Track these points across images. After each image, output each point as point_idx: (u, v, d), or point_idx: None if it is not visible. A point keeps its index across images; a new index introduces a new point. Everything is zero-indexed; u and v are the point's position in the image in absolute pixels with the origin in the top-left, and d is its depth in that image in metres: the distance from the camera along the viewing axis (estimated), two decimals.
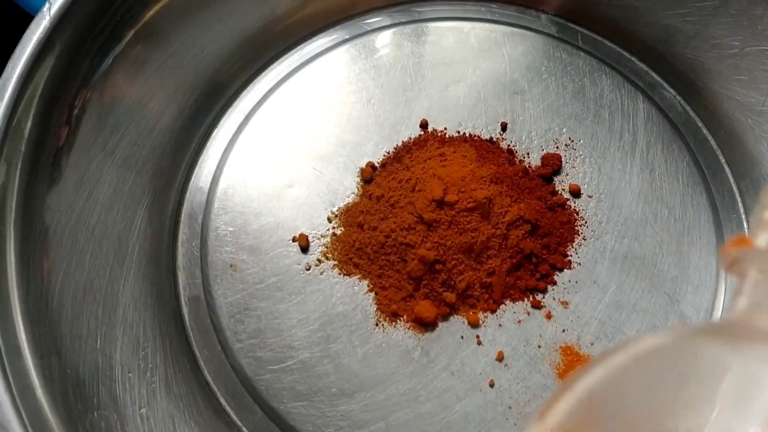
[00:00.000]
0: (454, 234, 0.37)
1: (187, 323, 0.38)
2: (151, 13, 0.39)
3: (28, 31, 0.34)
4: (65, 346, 0.32)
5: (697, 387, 0.17)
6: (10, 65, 0.33)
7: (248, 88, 0.45)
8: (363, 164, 0.42)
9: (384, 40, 0.46)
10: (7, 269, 0.31)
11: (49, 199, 0.34)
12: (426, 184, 0.38)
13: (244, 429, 0.36)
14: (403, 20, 0.47)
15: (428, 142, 0.42)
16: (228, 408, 0.37)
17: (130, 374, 0.34)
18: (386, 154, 0.42)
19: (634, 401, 0.17)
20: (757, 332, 0.18)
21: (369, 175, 0.41)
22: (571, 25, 0.47)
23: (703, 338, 0.18)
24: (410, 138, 0.43)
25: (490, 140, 0.42)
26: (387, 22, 0.47)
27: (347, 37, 0.46)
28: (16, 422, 0.28)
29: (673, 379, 0.17)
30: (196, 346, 0.38)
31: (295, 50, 0.46)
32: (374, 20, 0.47)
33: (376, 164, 0.42)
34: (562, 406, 0.17)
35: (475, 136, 0.43)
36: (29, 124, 0.33)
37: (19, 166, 0.33)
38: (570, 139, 0.43)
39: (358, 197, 0.41)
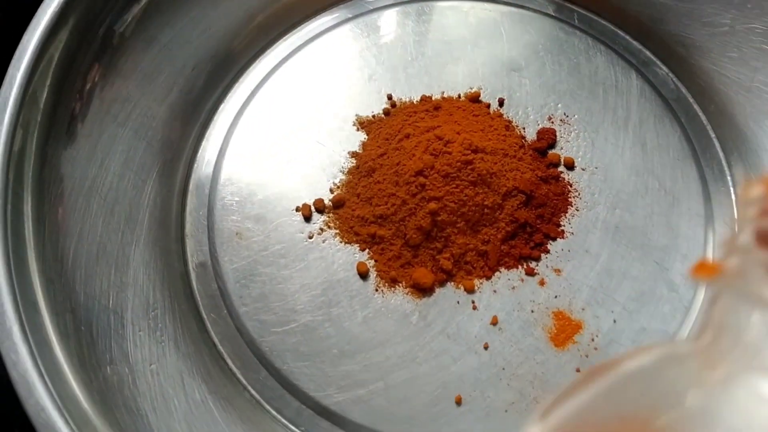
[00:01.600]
0: (451, 203, 0.39)
1: (195, 287, 0.40)
2: None
3: (42, 5, 0.36)
4: (80, 305, 0.34)
5: (668, 412, 0.18)
6: (25, 37, 0.35)
7: (254, 65, 0.46)
8: (365, 138, 0.43)
9: (386, 18, 0.48)
10: (25, 231, 0.33)
11: (63, 165, 0.36)
12: (417, 149, 0.40)
13: (250, 387, 0.38)
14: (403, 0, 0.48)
15: (420, 109, 0.44)
16: (234, 368, 0.38)
17: (140, 333, 0.36)
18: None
19: (620, 416, 0.18)
20: (720, 364, 0.18)
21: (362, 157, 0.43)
22: (568, 5, 0.48)
23: (677, 363, 0.19)
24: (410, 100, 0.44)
25: (488, 106, 0.44)
26: (389, 1, 0.48)
27: (350, 15, 0.48)
28: (35, 374, 0.29)
29: (650, 401, 0.18)
30: (203, 309, 0.40)
31: (299, 28, 0.48)
32: (374, 1, 0.49)
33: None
34: (561, 412, 0.18)
35: (472, 101, 0.44)
36: (45, 94, 0.35)
37: (35, 134, 0.34)
38: (565, 114, 0.44)
39: (353, 167, 0.42)
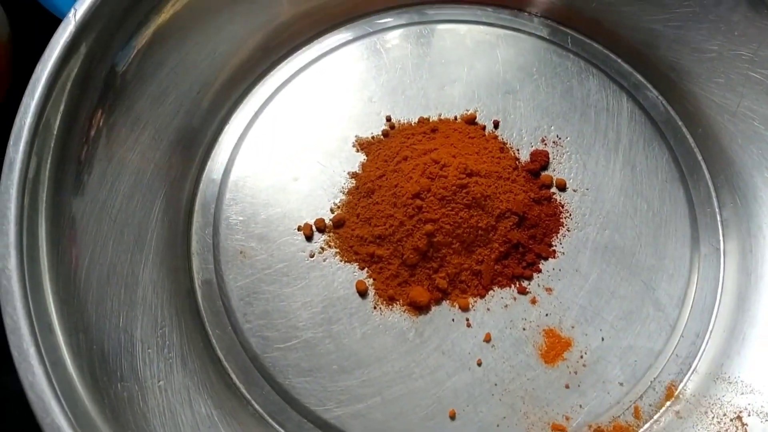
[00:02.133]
0: (447, 225, 0.40)
1: (201, 305, 0.42)
2: (167, 17, 0.42)
3: (55, 35, 0.37)
4: (91, 324, 0.36)
5: None
6: (39, 67, 0.36)
7: (258, 86, 0.48)
8: (364, 159, 0.45)
9: (386, 41, 0.49)
10: (40, 254, 0.34)
11: (75, 189, 0.37)
12: (415, 172, 0.41)
13: (253, 402, 0.40)
14: (402, 23, 0.50)
15: (417, 131, 0.45)
16: (238, 382, 0.40)
17: (149, 350, 0.37)
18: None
19: None
20: None
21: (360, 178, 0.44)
22: (562, 28, 0.50)
23: None
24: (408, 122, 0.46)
25: (483, 128, 0.45)
26: (389, 24, 0.50)
27: (351, 38, 0.49)
28: (51, 395, 0.30)
29: None
30: (208, 326, 0.41)
31: (301, 51, 0.49)
32: (379, 21, 0.50)
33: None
34: None
35: (468, 123, 0.46)
36: (57, 122, 0.36)
37: (49, 160, 0.36)
38: (558, 136, 0.46)
39: (353, 188, 0.44)
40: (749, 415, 0.37)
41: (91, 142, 0.38)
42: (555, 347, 0.40)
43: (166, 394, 0.36)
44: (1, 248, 0.33)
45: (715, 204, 0.45)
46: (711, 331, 0.41)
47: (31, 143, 0.35)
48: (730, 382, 0.39)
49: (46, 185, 0.36)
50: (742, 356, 0.40)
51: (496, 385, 0.40)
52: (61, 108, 0.37)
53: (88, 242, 0.37)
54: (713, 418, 0.38)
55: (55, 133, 0.36)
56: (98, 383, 0.34)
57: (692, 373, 0.40)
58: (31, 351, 0.31)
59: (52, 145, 0.36)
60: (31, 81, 0.36)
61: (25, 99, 0.36)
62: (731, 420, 0.37)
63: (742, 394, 0.38)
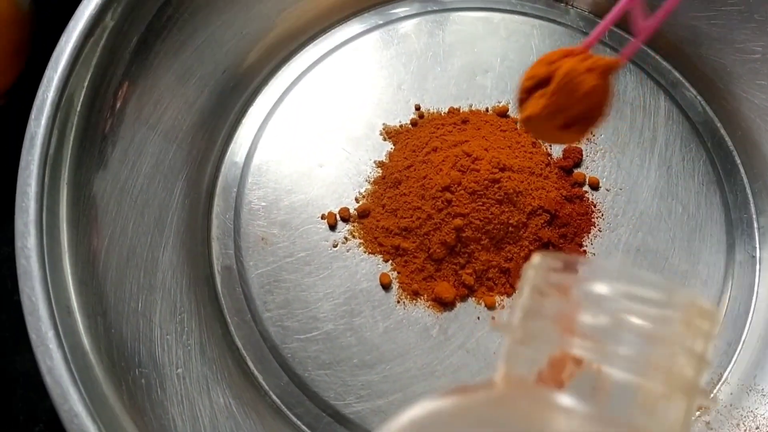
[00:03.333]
0: (476, 221, 0.39)
1: (220, 291, 0.41)
2: None
3: (81, 6, 0.36)
4: (110, 308, 0.34)
5: None
6: (63, 38, 0.35)
7: (283, 69, 0.47)
8: (391, 148, 0.44)
9: (415, 27, 0.48)
10: (60, 233, 0.33)
11: (97, 168, 0.36)
12: (445, 164, 0.40)
13: (271, 393, 0.39)
14: (434, 8, 0.48)
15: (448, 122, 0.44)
16: (256, 372, 0.39)
17: (168, 336, 0.36)
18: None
19: None
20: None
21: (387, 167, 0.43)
22: (599, 21, 0.48)
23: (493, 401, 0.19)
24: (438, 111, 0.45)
25: (516, 122, 0.44)
26: (418, 9, 0.48)
27: (381, 22, 0.48)
28: (69, 380, 0.29)
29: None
30: (227, 314, 0.40)
31: (329, 34, 0.48)
32: (405, 9, 0.49)
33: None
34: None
35: (500, 116, 0.44)
36: (81, 96, 0.35)
37: (72, 137, 0.35)
38: (592, 133, 0.44)
39: (379, 178, 0.43)
40: None
41: (115, 118, 0.37)
42: None
43: (185, 382, 0.35)
44: (21, 226, 0.32)
45: (753, 210, 0.43)
46: (744, 341, 0.40)
47: (53, 118, 0.34)
48: (764, 394, 0.38)
49: (67, 162, 0.35)
50: None
51: None
52: (86, 83, 0.36)
53: (108, 222, 0.36)
54: (745, 431, 0.37)
55: (78, 108, 0.35)
56: (116, 369, 0.33)
57: (723, 383, 0.39)
58: (50, 334, 0.30)
59: (75, 120, 0.35)
60: (55, 53, 0.35)
61: (48, 72, 0.34)
62: None
63: None
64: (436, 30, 0.48)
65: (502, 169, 0.40)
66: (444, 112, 0.45)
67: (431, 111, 0.45)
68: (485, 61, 0.47)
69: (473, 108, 0.45)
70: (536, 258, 0.19)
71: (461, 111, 0.45)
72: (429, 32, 0.48)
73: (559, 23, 0.48)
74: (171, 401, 0.34)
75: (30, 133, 0.33)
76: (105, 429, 0.29)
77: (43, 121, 0.34)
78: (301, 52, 0.47)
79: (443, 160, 0.41)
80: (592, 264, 0.19)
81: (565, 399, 0.17)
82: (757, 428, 0.37)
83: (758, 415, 0.37)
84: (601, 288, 0.17)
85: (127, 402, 0.32)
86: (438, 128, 0.43)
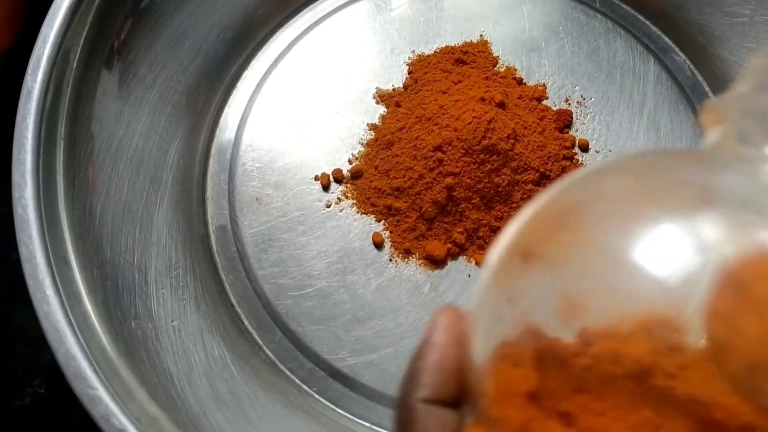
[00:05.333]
0: (467, 179, 0.40)
1: (215, 250, 0.41)
2: None
3: None
4: (106, 260, 0.35)
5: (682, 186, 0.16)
6: None
7: (278, 33, 0.47)
8: (384, 111, 0.44)
9: None
10: (57, 187, 0.34)
11: (93, 125, 0.36)
12: (435, 121, 0.41)
13: (265, 348, 0.39)
14: None
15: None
16: (251, 328, 0.40)
17: (163, 290, 0.37)
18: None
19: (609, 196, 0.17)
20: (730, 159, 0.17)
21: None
22: None
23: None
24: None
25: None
26: None
27: None
28: (66, 325, 0.30)
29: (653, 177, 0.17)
30: (222, 271, 0.41)
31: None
32: None
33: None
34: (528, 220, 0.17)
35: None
36: (78, 54, 0.36)
37: (68, 92, 0.35)
38: (582, 96, 0.45)
39: (372, 140, 0.43)
40: None
41: (110, 77, 0.38)
42: None
43: (180, 334, 0.36)
44: (18, 177, 0.32)
45: None
46: None
47: (49, 73, 0.34)
48: None
49: (64, 118, 0.35)
50: None
51: None
52: (81, 40, 0.36)
53: (104, 179, 0.37)
54: None
55: (74, 65, 0.36)
56: (113, 318, 0.33)
57: None
58: (47, 281, 0.31)
59: (71, 77, 0.35)
60: (51, 10, 0.35)
61: (44, 29, 0.35)
62: None
63: None
64: None
65: (500, 105, 0.40)
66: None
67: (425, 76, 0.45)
68: (477, 27, 0.47)
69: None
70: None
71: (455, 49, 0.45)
72: None
73: None
74: (167, 351, 0.35)
75: (26, 87, 0.34)
76: (102, 372, 0.30)
77: (40, 76, 0.34)
78: (296, 17, 0.47)
79: (439, 110, 0.41)
80: None
81: None
82: None
83: None
84: None
85: (124, 350, 0.32)
86: (431, 83, 0.44)
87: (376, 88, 0.45)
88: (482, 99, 0.41)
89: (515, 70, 0.45)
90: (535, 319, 0.16)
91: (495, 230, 0.41)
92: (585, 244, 0.16)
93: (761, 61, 0.18)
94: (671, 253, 0.15)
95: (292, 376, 0.39)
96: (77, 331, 0.30)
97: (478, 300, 0.18)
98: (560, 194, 0.17)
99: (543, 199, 0.18)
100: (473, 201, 0.40)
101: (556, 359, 0.15)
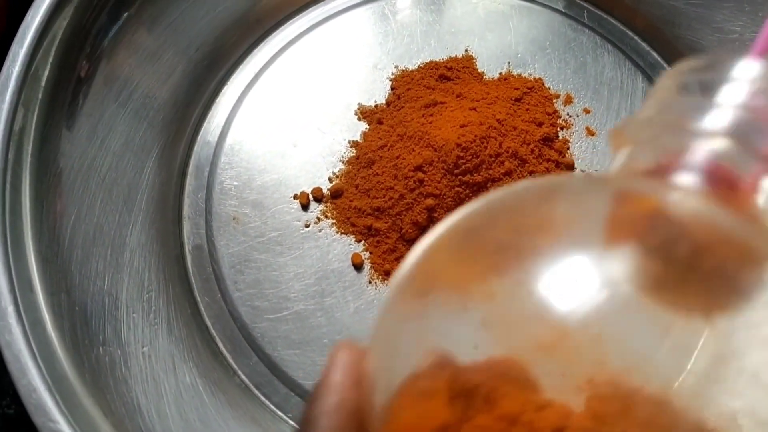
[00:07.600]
0: (448, 200, 0.39)
1: (190, 270, 0.40)
2: None
3: None
4: (75, 285, 0.34)
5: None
6: (30, 14, 0.35)
7: (259, 48, 0.46)
8: (366, 128, 0.43)
9: (394, 6, 0.47)
10: (23, 210, 0.33)
11: (63, 145, 0.36)
12: (420, 140, 0.40)
13: (240, 372, 0.38)
14: None
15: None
16: (225, 352, 0.39)
17: (134, 315, 0.36)
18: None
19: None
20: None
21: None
22: (578, 1, 0.48)
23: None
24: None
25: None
26: None
27: (359, 1, 0.47)
28: (28, 355, 0.29)
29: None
30: (197, 293, 0.40)
31: (305, 13, 0.47)
32: None
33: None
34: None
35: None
36: (47, 72, 0.35)
37: (36, 112, 0.34)
38: (568, 114, 0.44)
39: (353, 158, 0.42)
40: None
41: (82, 95, 0.37)
42: None
43: (150, 361, 0.35)
44: None
45: None
46: None
47: (18, 93, 0.33)
48: None
49: (32, 138, 0.34)
50: None
51: None
52: (51, 59, 0.35)
53: (75, 200, 0.36)
54: None
55: (43, 84, 0.35)
56: (79, 346, 0.33)
57: None
58: (10, 309, 0.30)
59: (40, 96, 0.35)
60: (21, 28, 0.34)
61: (13, 47, 0.34)
62: None
63: None
64: (414, 10, 0.47)
65: (482, 124, 0.40)
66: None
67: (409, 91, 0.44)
68: (462, 42, 0.46)
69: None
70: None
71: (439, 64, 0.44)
72: (408, 13, 0.47)
73: (537, 3, 0.47)
74: (135, 379, 0.34)
75: None
76: (64, 405, 0.29)
77: (8, 96, 0.33)
78: (276, 32, 0.47)
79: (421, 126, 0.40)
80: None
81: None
82: None
83: None
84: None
85: (89, 379, 0.32)
86: (414, 100, 0.43)
87: (359, 104, 0.44)
88: (464, 119, 0.40)
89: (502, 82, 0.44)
90: (445, 347, 0.15)
91: None
92: (484, 274, 0.16)
93: (668, 82, 0.18)
94: (565, 288, 0.15)
95: (267, 402, 0.38)
96: (39, 362, 0.30)
97: (379, 334, 0.17)
98: (458, 222, 0.17)
99: (443, 226, 0.17)
100: None
101: (464, 390, 0.14)
